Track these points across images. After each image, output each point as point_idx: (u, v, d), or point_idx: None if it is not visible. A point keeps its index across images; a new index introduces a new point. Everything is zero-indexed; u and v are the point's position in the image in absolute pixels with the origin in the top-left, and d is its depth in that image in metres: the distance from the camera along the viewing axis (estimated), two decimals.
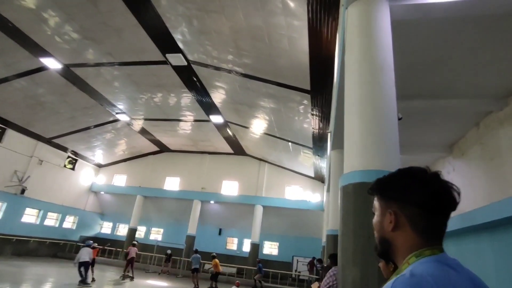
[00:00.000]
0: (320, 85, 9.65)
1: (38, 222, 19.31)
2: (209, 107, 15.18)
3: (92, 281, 11.39)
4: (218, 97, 14.08)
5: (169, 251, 17.81)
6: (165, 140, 21.51)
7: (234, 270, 18.76)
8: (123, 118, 17.59)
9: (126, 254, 14.53)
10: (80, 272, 10.67)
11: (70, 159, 21.37)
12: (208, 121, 16.92)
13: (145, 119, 17.96)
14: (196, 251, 14.56)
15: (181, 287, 13.34)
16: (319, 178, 19.84)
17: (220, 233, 22.32)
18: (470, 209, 3.60)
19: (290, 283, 17.79)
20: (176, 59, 11.39)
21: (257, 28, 8.57)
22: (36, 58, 12.25)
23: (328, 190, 11.75)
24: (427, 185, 0.84)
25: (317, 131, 12.82)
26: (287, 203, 20.17)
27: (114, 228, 24.34)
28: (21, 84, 13.89)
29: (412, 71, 5.25)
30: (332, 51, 7.97)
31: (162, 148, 23.36)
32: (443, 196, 0.83)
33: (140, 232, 22.96)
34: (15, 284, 10.07)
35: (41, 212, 19.47)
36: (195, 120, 17.47)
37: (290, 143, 16.24)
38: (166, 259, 17.88)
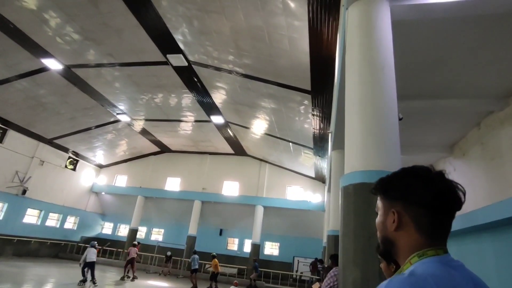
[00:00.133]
0: (321, 86, 9.65)
1: (39, 223, 19.33)
2: (210, 108, 15.18)
3: (94, 284, 11.37)
4: (218, 97, 14.09)
5: (169, 253, 17.81)
6: (166, 140, 21.52)
7: (234, 271, 18.74)
8: (124, 118, 17.61)
9: (127, 255, 14.56)
10: (84, 272, 10.76)
11: (71, 159, 21.40)
12: (209, 121, 16.93)
13: (146, 120, 17.98)
14: (195, 252, 14.55)
15: (182, 287, 13.34)
16: (320, 178, 19.83)
17: (221, 234, 22.31)
18: (471, 209, 3.59)
19: (291, 284, 17.78)
20: (176, 60, 11.40)
21: (258, 29, 8.57)
22: (37, 59, 12.28)
23: (329, 191, 11.74)
24: (432, 184, 0.82)
25: (317, 131, 12.81)
26: (288, 204, 20.16)
27: (115, 229, 24.35)
28: (22, 85, 13.92)
29: (413, 71, 5.25)
30: (332, 51, 7.97)
31: (163, 149, 23.38)
32: (448, 196, 0.81)
33: (141, 233, 22.97)
34: (16, 284, 10.09)
35: (42, 212, 19.50)
36: (196, 121, 17.48)
37: (290, 144, 16.23)
38: (166, 260, 17.91)
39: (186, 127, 18.89)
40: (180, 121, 17.79)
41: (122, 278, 13.24)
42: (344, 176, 3.04)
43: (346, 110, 3.35)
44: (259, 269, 16.86)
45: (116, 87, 14.45)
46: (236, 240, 22.07)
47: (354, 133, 3.10)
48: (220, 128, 17.72)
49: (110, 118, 17.69)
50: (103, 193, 23.73)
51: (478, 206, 3.69)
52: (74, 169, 21.76)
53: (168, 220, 23.27)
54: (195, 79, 12.72)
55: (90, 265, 10.87)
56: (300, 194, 20.80)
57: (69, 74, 13.32)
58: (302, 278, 18.03)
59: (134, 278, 13.57)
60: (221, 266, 18.03)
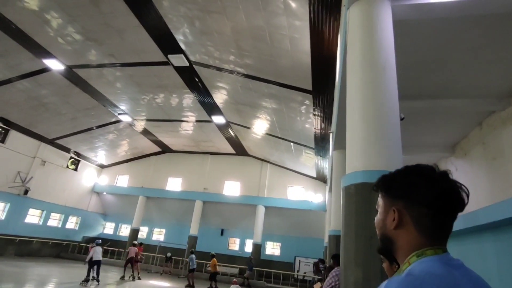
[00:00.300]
0: (322, 86, 9.65)
1: (41, 223, 19.39)
2: (211, 108, 15.20)
3: (97, 282, 11.47)
4: (219, 97, 14.10)
5: (168, 254, 17.80)
6: (167, 140, 21.55)
7: (236, 271, 18.75)
8: (125, 119, 17.65)
9: (127, 254, 14.64)
10: (90, 271, 11.02)
11: (73, 159, 21.46)
12: (210, 121, 16.94)
13: (147, 120, 18.00)
14: (192, 252, 14.56)
15: (183, 287, 13.35)
16: (321, 178, 19.82)
17: (222, 234, 22.31)
18: (472, 209, 3.58)
19: (292, 284, 17.78)
20: (178, 60, 11.42)
21: (259, 29, 8.58)
22: (38, 60, 12.32)
23: (330, 191, 11.73)
24: (435, 184, 0.80)
25: (319, 131, 12.81)
26: (289, 204, 20.16)
27: (116, 229, 24.40)
28: (24, 85, 13.97)
29: (414, 71, 5.24)
30: (334, 51, 7.97)
31: (164, 149, 23.41)
32: (451, 197, 0.80)
33: (143, 233, 23.01)
34: (19, 284, 10.12)
35: (44, 212, 19.55)
36: (197, 121, 17.50)
37: (292, 144, 16.23)
38: (166, 260, 17.94)
39: (187, 127, 18.91)
40: (181, 121, 17.81)
41: (122, 278, 13.28)
42: (345, 176, 3.04)
43: (347, 110, 3.35)
44: (262, 269, 16.87)
45: (118, 87, 14.48)
46: (238, 240, 22.07)
47: (356, 133, 3.09)
48: (221, 128, 17.73)
49: (111, 118, 17.73)
50: (104, 193, 23.77)
51: (480, 206, 3.68)
52: (75, 169, 21.81)
53: (170, 220, 23.30)
54: (196, 79, 12.73)
55: (97, 264, 11.14)
56: (302, 194, 20.79)
57: (70, 74, 13.35)
58: (305, 278, 17.99)
59: (134, 277, 13.59)
60: (223, 266, 18.12)
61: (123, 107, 16.37)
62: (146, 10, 9.14)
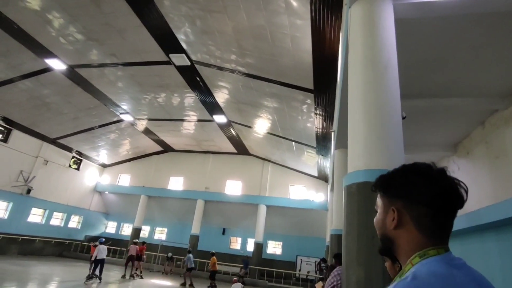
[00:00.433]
0: (324, 85, 9.63)
1: (43, 222, 19.48)
2: (212, 107, 15.20)
3: (99, 280, 11.60)
4: (221, 97, 14.10)
5: (169, 254, 17.83)
6: (169, 140, 21.58)
7: (237, 270, 18.76)
8: (127, 118, 17.69)
9: (126, 253, 14.76)
10: (95, 268, 11.37)
11: (75, 159, 21.53)
12: (212, 121, 16.96)
13: (149, 119, 18.03)
14: (189, 251, 14.56)
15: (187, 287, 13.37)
16: (322, 177, 19.80)
17: (223, 233, 22.35)
18: (475, 208, 3.57)
19: (294, 283, 17.78)
20: (179, 59, 11.42)
21: (260, 28, 8.57)
22: (41, 59, 12.36)
23: (331, 190, 11.72)
24: (433, 182, 0.80)
25: (320, 130, 12.79)
26: (291, 203, 20.16)
27: (118, 228, 24.49)
28: (26, 85, 14.02)
29: (416, 70, 5.22)
30: (335, 50, 7.95)
31: (166, 148, 23.45)
32: (450, 195, 0.79)
33: (145, 232, 23.07)
34: (22, 283, 10.18)
35: (47, 212, 19.64)
36: (199, 120, 17.51)
37: (293, 143, 16.22)
38: (167, 259, 17.99)
39: (189, 127, 18.92)
40: (183, 120, 17.83)
41: (123, 276, 13.35)
42: (347, 175, 3.03)
43: (349, 109, 3.34)
44: (263, 268, 16.86)
45: (119, 87, 14.51)
46: (239, 239, 22.10)
47: (357, 132, 3.08)
48: (223, 127, 17.74)
49: (113, 118, 17.77)
50: (106, 192, 23.85)
51: (483, 205, 3.66)
52: (77, 169, 21.89)
53: (171, 219, 23.35)
54: (198, 79, 12.74)
55: (100, 262, 11.42)
56: (303, 193, 20.79)
57: (72, 74, 13.39)
58: (308, 277, 17.96)
59: (133, 276, 13.61)
60: (224, 265, 18.14)
61: (124, 106, 16.40)
62: (147, 10, 9.15)
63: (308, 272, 18.48)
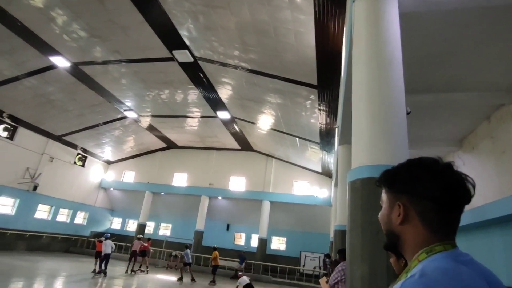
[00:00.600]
0: (327, 80, 9.58)
1: (50, 218, 19.72)
2: (216, 103, 15.20)
3: (104, 275, 11.80)
4: (224, 93, 14.10)
5: (174, 253, 17.94)
6: (173, 136, 21.66)
7: (242, 265, 18.87)
8: (131, 115, 17.76)
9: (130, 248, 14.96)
10: (101, 263, 11.77)
11: (80, 156, 21.71)
12: (215, 117, 16.97)
13: (153, 116, 18.10)
14: (187, 247, 14.56)
15: (190, 282, 13.50)
16: (326, 173, 19.77)
17: (228, 229, 22.47)
18: (480, 203, 3.55)
19: (298, 278, 17.86)
20: (182, 56, 11.42)
21: (263, 23, 8.52)
22: (45, 57, 12.42)
23: (335, 185, 11.71)
24: (439, 177, 0.79)
25: (324, 126, 12.75)
26: (295, 199, 20.18)
27: (123, 224, 24.72)
28: (31, 83, 14.11)
29: (421, 65, 5.17)
30: (339, 45, 7.89)
31: (170, 145, 23.54)
32: (457, 189, 0.78)
33: (149, 228, 23.26)
34: (30, 278, 10.34)
35: (53, 208, 19.87)
36: (202, 116, 17.53)
37: (297, 139, 16.19)
38: (170, 255, 18.13)
39: (193, 123, 18.97)
40: (187, 117, 17.87)
41: (127, 271, 13.52)
42: (351, 170, 3.03)
43: (353, 104, 3.33)
44: (267, 263, 16.90)
45: (123, 84, 14.55)
46: (243, 235, 22.21)
47: (362, 128, 3.07)
48: (227, 123, 17.75)
49: (117, 115, 17.86)
50: (111, 188, 24.04)
51: (488, 200, 3.65)
52: (83, 165, 22.08)
53: (176, 215, 23.51)
54: (201, 75, 12.73)
55: (106, 257, 11.78)
56: (307, 189, 20.79)
57: (76, 71, 13.45)
58: (314, 273, 17.97)
59: (133, 270, 13.75)
60: (229, 260, 18.25)
61: (128, 103, 16.46)
62: (150, 6, 9.13)
63: (314, 268, 18.54)
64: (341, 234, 7.60)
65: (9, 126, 16.81)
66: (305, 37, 8.31)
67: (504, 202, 3.18)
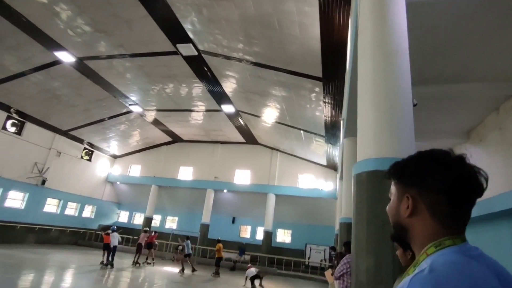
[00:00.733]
0: (332, 72, 9.48)
1: (58, 212, 20.06)
2: (220, 97, 15.18)
3: (111, 266, 12.14)
4: (229, 86, 14.06)
5: (180, 246, 18.14)
6: (178, 130, 21.74)
7: (247, 257, 19.06)
8: (136, 109, 17.84)
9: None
10: (109, 255, 12.17)
11: (87, 150, 21.93)
12: (220, 110, 16.96)
13: (158, 110, 18.16)
14: (188, 238, 14.57)
15: (198, 274, 13.68)
16: (331, 166, 19.73)
17: (233, 222, 22.64)
18: (488, 196, 3.51)
19: (303, 270, 17.99)
20: (186, 49, 11.38)
21: (267, 15, 8.43)
22: (50, 52, 12.48)
23: (341, 178, 11.68)
24: (450, 169, 0.77)
25: (329, 119, 12.67)
26: (300, 192, 20.21)
27: (130, 217, 25.05)
28: (37, 78, 14.22)
29: (428, 55, 5.08)
30: (344, 36, 7.78)
31: (175, 138, 23.65)
32: (468, 182, 0.76)
33: (156, 221, 23.54)
34: (40, 270, 10.57)
35: (61, 202, 20.19)
36: (207, 110, 17.54)
37: (302, 132, 16.14)
38: (176, 248, 18.34)
39: (197, 117, 18.99)
40: (191, 110, 17.89)
41: (133, 263, 13.74)
42: (356, 163, 3.01)
43: (358, 96, 3.29)
44: (273, 256, 16.98)
45: (128, 78, 14.59)
46: (249, 228, 22.37)
47: (367, 120, 3.04)
48: (231, 117, 17.74)
49: (122, 109, 17.95)
50: (118, 182, 24.31)
51: (496, 192, 3.60)
52: (89, 160, 22.32)
53: (182, 208, 23.73)
54: (205, 69, 12.70)
55: (113, 249, 12.16)
56: (312, 182, 20.79)
57: (81, 66, 13.50)
58: (322, 266, 18.03)
59: (137, 263, 13.95)
60: (235, 253, 18.43)
61: (133, 97, 16.52)
62: (153, 0, 9.09)
63: (321, 260, 18.62)
64: (346, 226, 7.61)
65: (17, 122, 17.01)
66: (310, 29, 8.21)
67: None
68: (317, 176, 20.79)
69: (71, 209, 21.19)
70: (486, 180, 0.78)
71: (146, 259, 14.81)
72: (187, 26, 10.19)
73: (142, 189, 23.35)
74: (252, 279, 11.26)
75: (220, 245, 14.18)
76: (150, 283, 11.09)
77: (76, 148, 20.94)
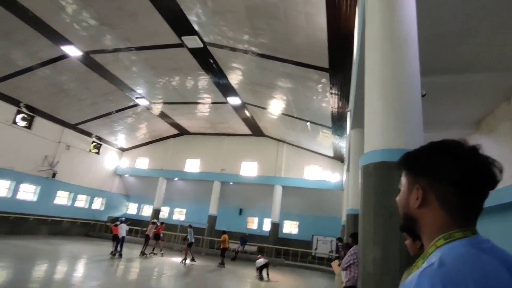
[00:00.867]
0: (339, 63, 9.37)
1: (69, 204, 20.49)
2: (226, 89, 15.15)
3: (119, 256, 12.65)
4: (235, 78, 14.00)
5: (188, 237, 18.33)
6: (184, 123, 21.82)
7: (255, 249, 19.27)
8: (143, 102, 17.93)
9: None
10: (117, 245, 12.66)
11: (95, 143, 22.20)
12: (226, 103, 16.95)
13: (164, 103, 18.22)
14: (191, 226, 14.45)
15: (204, 265, 13.90)
16: (338, 157, 19.65)
17: (240, 213, 22.83)
18: (498, 187, 3.47)
19: (310, 261, 18.13)
20: (192, 42, 11.33)
21: (273, 6, 8.32)
22: (57, 46, 12.56)
23: (347, 170, 11.64)
24: (462, 160, 0.75)
25: (336, 110, 12.57)
26: (307, 183, 20.23)
27: (139, 209, 25.45)
28: (45, 73, 14.35)
29: (438, 44, 4.97)
30: (351, 26, 7.65)
31: (182, 131, 23.77)
32: (480, 174, 0.74)
33: (164, 213, 23.87)
34: (54, 260, 10.88)
35: (72, 194, 20.60)
36: (213, 103, 17.54)
37: (308, 123, 16.06)
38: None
39: (204, 109, 19.02)
40: (197, 103, 17.91)
41: (141, 254, 14.05)
42: (364, 155, 2.99)
43: (366, 87, 3.25)
44: (280, 247, 17.08)
45: (134, 72, 14.63)
46: (256, 219, 22.54)
47: (375, 111, 3.01)
48: (237, 109, 17.72)
49: (129, 103, 18.06)
50: (126, 175, 24.63)
51: (505, 184, 3.56)
52: (98, 153, 22.61)
53: (190, 200, 23.99)
54: (211, 61, 12.65)
55: (121, 240, 12.65)
56: (319, 173, 20.77)
57: (88, 60, 13.57)
58: (330, 257, 18.13)
59: (143, 253, 14.21)
60: (232, 243, 18.55)
61: (140, 91, 16.59)
62: None
63: (330, 251, 18.73)
64: (353, 218, 7.62)
65: (26, 116, 17.26)
66: (316, 19, 8.09)
67: None
68: (323, 167, 20.75)
69: (81, 202, 21.60)
70: (501, 172, 0.76)
71: (153, 249, 15.09)
72: (192, 18, 10.13)
73: (150, 182, 23.64)
74: (261, 268, 11.45)
75: (226, 236, 14.31)
76: (159, 272, 11.31)
77: (85, 142, 21.22)
